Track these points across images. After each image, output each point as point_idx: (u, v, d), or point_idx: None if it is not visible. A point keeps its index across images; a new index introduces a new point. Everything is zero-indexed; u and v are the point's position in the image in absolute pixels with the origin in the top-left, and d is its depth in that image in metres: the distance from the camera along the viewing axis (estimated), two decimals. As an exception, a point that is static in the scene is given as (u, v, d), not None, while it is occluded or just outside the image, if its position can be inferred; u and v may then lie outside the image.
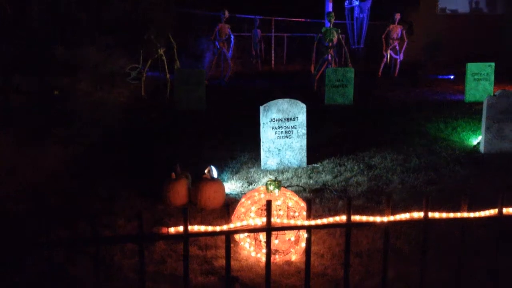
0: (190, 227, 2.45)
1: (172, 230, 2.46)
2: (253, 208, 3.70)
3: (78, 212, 4.42)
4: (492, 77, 9.99)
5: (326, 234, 4.05)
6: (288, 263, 3.64)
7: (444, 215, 2.61)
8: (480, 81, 9.87)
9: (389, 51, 14.84)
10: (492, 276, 2.72)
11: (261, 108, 5.66)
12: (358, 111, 9.28)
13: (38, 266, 3.44)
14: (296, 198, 3.82)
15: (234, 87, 12.83)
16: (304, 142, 5.83)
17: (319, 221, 2.60)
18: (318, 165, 5.84)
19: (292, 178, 5.48)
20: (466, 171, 5.58)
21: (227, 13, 12.61)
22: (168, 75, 10.16)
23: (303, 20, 17.20)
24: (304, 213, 3.78)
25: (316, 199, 4.84)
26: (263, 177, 5.51)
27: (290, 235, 3.67)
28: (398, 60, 15.03)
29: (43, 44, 9.08)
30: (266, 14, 16.86)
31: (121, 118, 8.55)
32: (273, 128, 5.70)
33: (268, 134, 5.71)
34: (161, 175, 4.95)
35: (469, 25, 18.57)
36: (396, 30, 14.78)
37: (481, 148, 6.36)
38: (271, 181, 3.75)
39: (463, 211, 2.60)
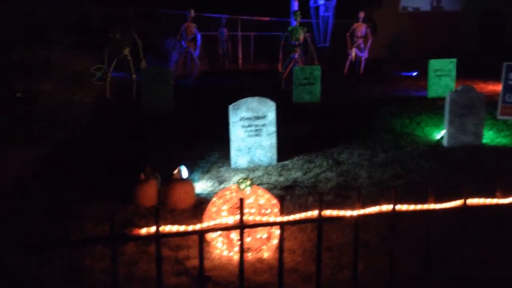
0: (162, 228, 2.43)
1: (143, 231, 2.44)
2: (225, 207, 3.71)
3: (45, 215, 4.32)
4: (454, 73, 10.30)
5: (297, 230, 4.10)
6: (260, 260, 3.66)
7: (412, 207, 2.69)
8: (442, 77, 10.16)
9: (354, 49, 15.08)
10: (459, 262, 2.82)
11: (230, 107, 5.67)
12: (326, 108, 9.40)
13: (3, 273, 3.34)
14: (267, 195, 3.85)
15: (201, 86, 12.76)
16: (274, 140, 5.87)
17: (291, 217, 2.63)
18: (288, 162, 5.89)
19: (262, 176, 5.51)
20: (431, 165, 5.74)
21: (192, 12, 12.53)
22: (134, 75, 10.02)
23: (269, 19, 17.27)
24: (276, 210, 3.81)
25: (287, 196, 4.88)
26: (233, 176, 5.52)
27: (262, 233, 3.69)
28: (363, 58, 15.29)
29: (4, 44, 8.81)
30: (233, 13, 16.84)
31: (87, 120, 8.39)
32: (242, 126, 5.71)
33: (237, 133, 5.72)
34: (131, 177, 4.89)
35: (431, 22, 19.04)
36: (361, 28, 15.03)
37: (445, 142, 6.55)
38: (242, 179, 3.77)
39: (430, 203, 2.68)
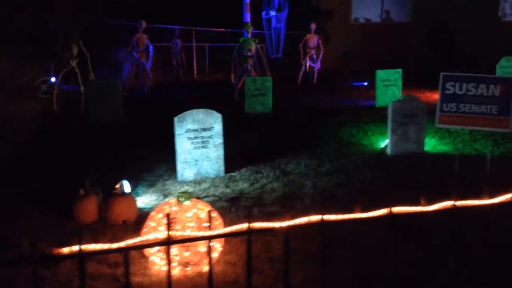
0: (85, 246, 2.37)
1: (66, 250, 2.37)
2: (164, 221, 3.66)
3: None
4: (400, 83, 10.64)
5: (239, 242, 4.09)
6: (200, 274, 3.63)
7: (340, 216, 2.74)
8: (389, 86, 10.48)
9: (307, 60, 15.36)
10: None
11: (176, 119, 5.63)
12: (277, 119, 9.49)
13: None
14: (208, 208, 3.83)
15: (154, 97, 12.64)
16: (221, 151, 5.86)
17: (221, 231, 2.63)
18: (235, 174, 5.89)
19: (209, 188, 5.49)
20: (374, 173, 5.89)
21: (144, 24, 12.43)
22: (82, 88, 9.80)
23: (223, 30, 17.33)
24: (217, 223, 3.81)
25: (232, 207, 4.88)
26: (179, 189, 5.46)
27: (201, 246, 3.66)
28: (316, 68, 15.60)
29: None
30: (187, 24, 16.81)
31: (32, 133, 8.11)
32: (189, 138, 5.68)
33: (184, 145, 5.68)
34: (72, 192, 4.76)
35: (381, 33, 19.66)
36: (313, 40, 15.34)
37: (388, 150, 6.74)
38: (181, 193, 3.74)
39: (356, 212, 2.74)
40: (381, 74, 10.45)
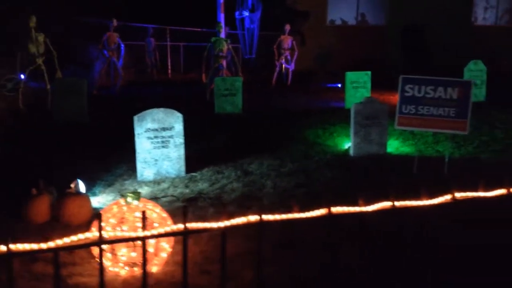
0: (15, 246, 2.33)
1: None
2: (112, 221, 3.63)
3: None
4: (369, 85, 10.75)
5: (192, 242, 4.08)
6: (148, 275, 3.60)
7: (277, 217, 2.75)
8: (358, 88, 10.58)
9: (281, 61, 15.41)
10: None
11: (135, 118, 5.59)
12: (246, 119, 9.49)
13: None
14: (158, 209, 3.81)
15: (125, 96, 12.51)
16: (182, 151, 5.83)
17: (156, 231, 2.62)
18: (196, 174, 5.87)
19: (168, 188, 5.46)
20: (334, 174, 5.94)
21: (115, 22, 12.31)
22: (48, 86, 9.65)
23: (199, 29, 17.27)
24: (169, 222, 3.79)
25: (190, 208, 4.86)
26: (138, 188, 5.42)
27: (149, 247, 3.64)
28: (290, 70, 15.66)
29: None
30: (161, 23, 16.69)
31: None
32: (148, 138, 5.64)
33: (143, 145, 5.64)
34: (25, 191, 4.67)
35: (356, 36, 19.85)
36: (287, 41, 15.40)
37: (351, 152, 6.80)
38: (129, 192, 3.71)
39: (294, 212, 2.76)
40: (350, 76, 10.55)
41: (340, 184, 5.56)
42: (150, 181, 5.65)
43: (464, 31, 19.74)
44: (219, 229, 2.65)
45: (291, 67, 15.60)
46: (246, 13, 13.93)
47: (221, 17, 13.74)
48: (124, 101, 11.79)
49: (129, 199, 3.67)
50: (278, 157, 6.63)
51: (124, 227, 3.60)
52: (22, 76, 10.14)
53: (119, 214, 3.68)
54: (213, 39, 11.61)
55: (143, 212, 2.55)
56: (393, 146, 7.30)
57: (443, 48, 18.86)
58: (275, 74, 15.46)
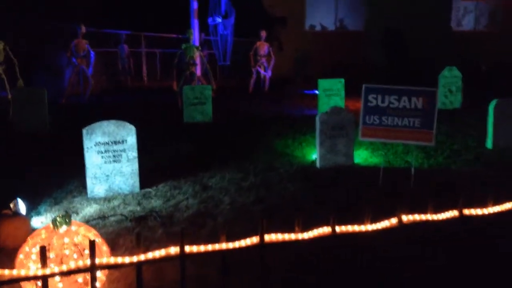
0: None
1: None
2: (35, 250, 3.32)
3: None
4: (343, 92, 10.56)
5: (131, 269, 3.78)
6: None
7: (202, 248, 2.49)
8: (331, 96, 10.38)
9: (257, 68, 15.17)
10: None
11: (84, 131, 5.28)
12: (215, 129, 9.22)
13: None
14: (90, 233, 3.50)
15: (95, 105, 12.16)
16: (135, 166, 5.53)
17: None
18: (151, 190, 5.57)
19: (119, 206, 5.15)
20: (296, 187, 5.68)
21: (83, 28, 11.98)
22: (10, 95, 9.28)
23: (174, 35, 16.97)
24: (105, 248, 3.49)
25: (136, 228, 4.56)
26: (86, 206, 5.11)
27: (78, 277, 3.33)
28: (267, 76, 15.43)
29: None
30: (136, 30, 16.37)
31: None
32: (98, 152, 5.33)
33: (93, 159, 5.33)
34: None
35: (335, 41, 19.72)
36: (263, 47, 15.18)
37: (317, 163, 6.56)
38: (59, 216, 3.40)
39: (222, 242, 2.49)
40: (323, 83, 10.35)
41: (300, 198, 5.30)
42: (100, 198, 5.33)
43: (444, 36, 19.73)
44: (131, 264, 2.38)
45: (268, 74, 15.38)
46: (219, 19, 13.68)
47: (195, 23, 13.47)
48: (92, 110, 11.44)
49: (56, 224, 3.36)
50: (242, 170, 6.36)
51: (51, 254, 3.30)
52: None
53: (47, 240, 3.37)
54: (183, 46, 11.33)
55: (42, 249, 2.26)
56: (362, 156, 7.09)
57: (423, 53, 18.79)
58: (252, 81, 15.22)
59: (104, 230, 4.52)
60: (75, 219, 4.79)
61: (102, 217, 4.82)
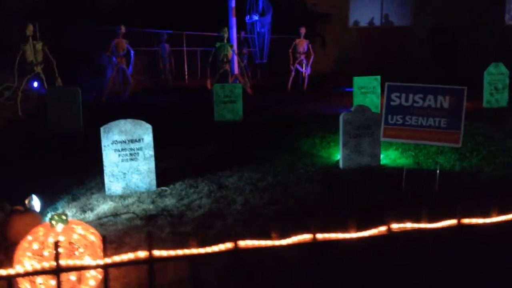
0: None
1: None
2: (35, 246, 3.38)
3: None
4: (379, 90, 10.20)
5: (131, 268, 3.78)
6: (70, 304, 3.33)
7: (172, 252, 2.41)
8: (367, 94, 10.06)
9: (296, 65, 14.98)
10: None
11: (101, 129, 5.37)
12: (244, 128, 9.15)
13: None
14: (86, 232, 3.53)
15: (135, 104, 12.42)
16: (152, 164, 5.56)
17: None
18: (167, 188, 5.59)
19: (133, 204, 5.19)
20: (314, 189, 5.51)
21: (123, 28, 12.27)
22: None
23: (215, 34, 17.06)
24: (99, 248, 3.51)
25: (146, 227, 4.58)
26: (102, 203, 5.19)
27: (71, 275, 3.36)
28: (306, 74, 15.22)
29: None
30: (177, 29, 16.60)
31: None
32: (115, 150, 5.40)
33: (110, 157, 5.41)
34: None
35: (380, 37, 19.15)
36: (302, 44, 14.97)
37: (340, 164, 6.35)
38: (55, 215, 3.45)
39: (192, 247, 2.41)
40: (358, 81, 10.05)
41: (315, 201, 5.14)
42: (117, 196, 5.40)
43: (497, 31, 18.67)
44: (97, 266, 2.34)
45: (307, 71, 15.16)
46: (255, 17, 13.60)
47: (233, 21, 13.47)
48: (132, 109, 11.69)
49: (53, 222, 3.41)
50: (261, 170, 6.25)
51: (46, 252, 3.35)
52: (36, 84, 10.19)
53: (43, 237, 3.42)
54: (217, 44, 11.35)
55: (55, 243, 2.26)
56: (391, 157, 6.80)
57: (473, 49, 17.87)
58: (290, 79, 15.05)
59: (114, 227, 4.57)
60: (89, 216, 4.89)
61: (114, 214, 4.88)
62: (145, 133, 5.47)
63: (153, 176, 5.57)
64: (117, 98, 12.91)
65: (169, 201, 5.23)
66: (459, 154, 6.82)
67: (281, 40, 16.61)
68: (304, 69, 15.06)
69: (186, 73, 17.22)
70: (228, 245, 2.45)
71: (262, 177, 5.97)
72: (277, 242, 2.48)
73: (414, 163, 6.46)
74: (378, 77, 10.14)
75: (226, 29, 11.65)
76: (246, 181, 5.83)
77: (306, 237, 2.52)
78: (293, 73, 15.00)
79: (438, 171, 5.44)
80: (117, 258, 2.33)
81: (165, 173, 6.08)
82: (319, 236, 2.50)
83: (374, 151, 6.35)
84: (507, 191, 5.21)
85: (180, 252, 2.39)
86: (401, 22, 19.83)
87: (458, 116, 5.21)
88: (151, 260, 2.36)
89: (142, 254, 2.37)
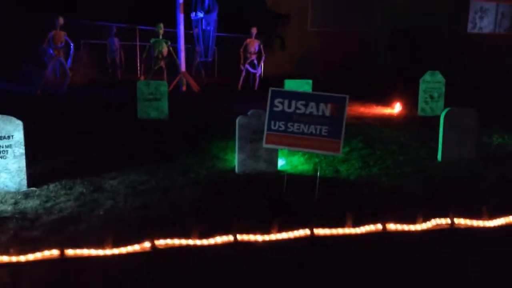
0: None
1: None
2: None
3: None
4: (312, 94, 10.02)
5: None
6: None
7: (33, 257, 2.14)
8: (299, 97, 9.85)
9: (246, 65, 14.75)
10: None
11: (-34, 125, 5.06)
12: (167, 127, 8.85)
13: None
14: None
15: (71, 97, 12.05)
16: (23, 163, 5.27)
17: None
18: (36, 189, 5.30)
19: (-6, 204, 4.90)
20: (195, 194, 5.28)
21: (61, 20, 11.91)
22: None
23: (170, 30, 16.75)
24: None
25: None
26: (-42, 203, 4.89)
27: None
28: (257, 74, 15.00)
29: None
30: (128, 23, 16.25)
31: None
32: (-18, 147, 5.10)
33: (-24, 155, 5.10)
34: None
35: (339, 41, 19.02)
36: (254, 44, 14.75)
37: (236, 169, 6.14)
38: None
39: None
40: (289, 84, 9.87)
41: (188, 208, 4.91)
42: (-18, 195, 5.10)
43: (458, 38, 18.72)
44: None
45: (258, 71, 14.94)
46: (200, 14, 13.34)
47: (181, 17, 13.17)
48: (64, 102, 11.35)
49: None
50: (152, 172, 6.00)
51: None
52: None
53: None
54: (152, 40, 11.06)
55: None
56: (293, 163, 6.61)
57: (432, 55, 17.85)
58: (241, 78, 14.82)
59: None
60: None
61: (-35, 216, 4.58)
62: (16, 130, 5.18)
63: (23, 175, 5.28)
64: (55, 90, 12.53)
65: (32, 203, 4.95)
66: (363, 162, 6.68)
67: (238, 39, 16.39)
68: (255, 69, 14.84)
69: (138, 67, 16.87)
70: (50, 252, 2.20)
71: (147, 180, 5.73)
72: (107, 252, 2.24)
73: (313, 170, 6.27)
74: (310, 81, 9.99)
75: (161, 24, 11.37)
76: (127, 184, 5.58)
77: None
78: (243, 73, 14.78)
79: (318, 179, 5.26)
80: None
81: (47, 173, 5.82)
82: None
83: (270, 157, 6.15)
84: (384, 203, 5.07)
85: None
86: (362, 26, 19.73)
87: (339, 125, 5.05)
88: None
89: None
